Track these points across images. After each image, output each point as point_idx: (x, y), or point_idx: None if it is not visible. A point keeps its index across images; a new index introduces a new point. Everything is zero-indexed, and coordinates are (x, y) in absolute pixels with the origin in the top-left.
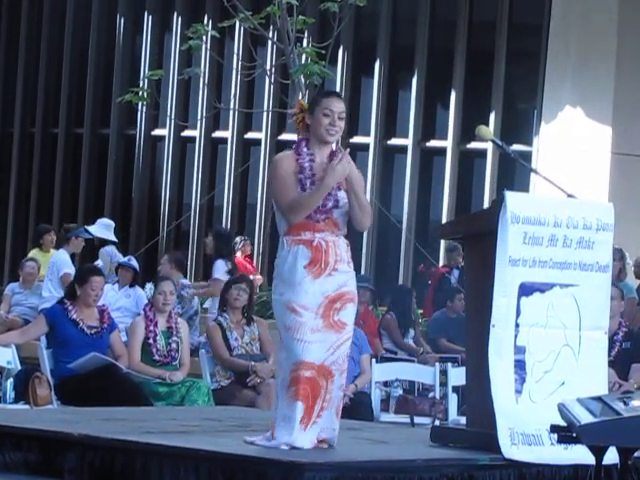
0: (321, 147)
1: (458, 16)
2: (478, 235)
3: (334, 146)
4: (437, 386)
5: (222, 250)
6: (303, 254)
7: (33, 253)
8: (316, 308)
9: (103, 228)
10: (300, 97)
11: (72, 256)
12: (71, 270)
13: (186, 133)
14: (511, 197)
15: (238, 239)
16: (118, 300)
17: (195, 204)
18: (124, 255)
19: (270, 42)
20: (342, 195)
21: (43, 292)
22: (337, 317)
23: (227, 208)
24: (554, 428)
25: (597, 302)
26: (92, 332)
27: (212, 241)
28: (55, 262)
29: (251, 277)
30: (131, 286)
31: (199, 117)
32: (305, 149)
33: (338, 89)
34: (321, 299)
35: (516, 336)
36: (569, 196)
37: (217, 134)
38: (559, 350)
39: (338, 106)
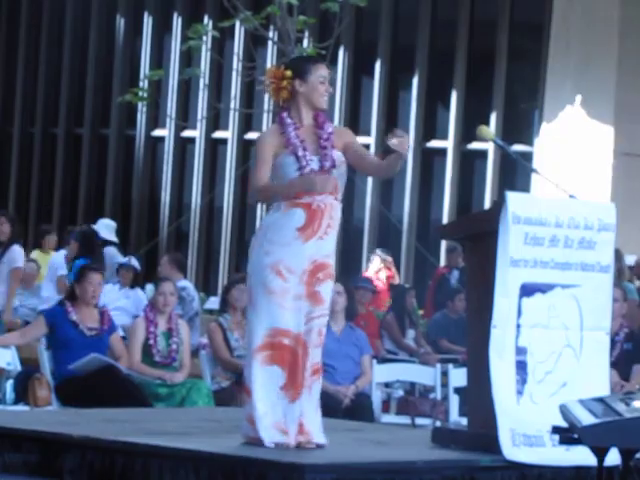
0: (308, 112)
1: (459, 16)
2: (479, 235)
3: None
4: (438, 387)
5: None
6: (299, 217)
7: (34, 254)
8: (301, 273)
9: (104, 228)
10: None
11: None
12: (65, 272)
13: (186, 133)
14: (512, 197)
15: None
16: (117, 300)
17: (195, 205)
18: (124, 256)
19: (270, 42)
20: (339, 154)
21: (43, 292)
22: (317, 288)
23: (227, 208)
24: (555, 429)
25: (599, 303)
26: (92, 333)
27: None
28: (54, 263)
29: None
30: (131, 287)
31: (199, 117)
32: (289, 119)
33: (339, 89)
34: (307, 264)
35: (517, 337)
36: (570, 196)
37: (217, 134)
38: (560, 351)
39: (327, 72)
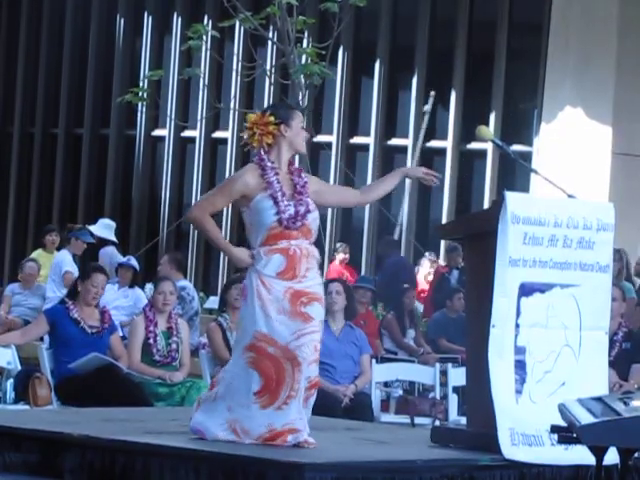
0: (287, 157)
1: (458, 16)
2: (478, 235)
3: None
4: (437, 386)
5: None
6: (279, 262)
7: (37, 253)
8: (282, 294)
9: (104, 228)
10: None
11: (73, 257)
12: (72, 269)
13: (186, 133)
14: (511, 197)
15: (338, 245)
16: (116, 299)
17: None
18: (124, 255)
19: (270, 42)
20: (311, 201)
21: (47, 292)
22: (304, 309)
23: (226, 208)
24: (554, 428)
25: (597, 302)
26: (93, 332)
27: None
28: (58, 262)
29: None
30: (130, 287)
31: (199, 117)
32: (269, 163)
33: (338, 89)
34: (287, 286)
35: (516, 336)
36: (569, 196)
37: (217, 134)
38: (559, 350)
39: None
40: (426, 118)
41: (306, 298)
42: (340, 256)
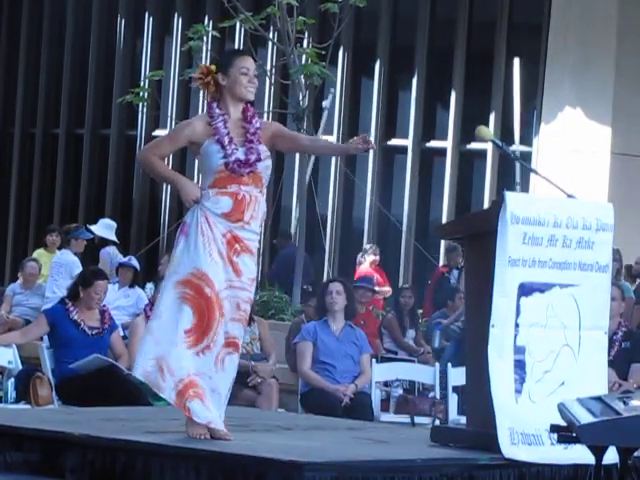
0: (236, 105)
1: (458, 16)
2: (478, 235)
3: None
4: (437, 386)
5: None
6: (226, 203)
7: (37, 253)
8: (222, 235)
9: (104, 228)
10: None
11: (75, 255)
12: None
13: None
14: (511, 197)
15: (367, 246)
16: (116, 299)
17: None
18: (124, 255)
19: (270, 43)
20: (263, 148)
21: (47, 292)
22: (235, 258)
23: None
24: (554, 428)
25: (597, 302)
26: (93, 333)
27: None
28: (62, 263)
29: (378, 288)
30: (131, 286)
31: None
32: (217, 110)
33: (338, 90)
34: (225, 230)
35: (516, 336)
36: (569, 196)
37: None
38: (559, 350)
39: (251, 63)
40: (325, 114)
41: (239, 246)
42: (370, 258)
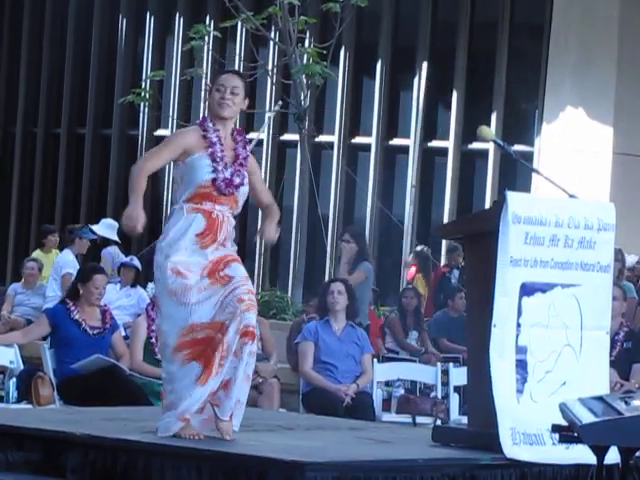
0: (223, 123)
1: (459, 16)
2: (479, 235)
3: (231, 124)
4: (439, 386)
5: None
6: (198, 223)
7: (35, 254)
8: (200, 270)
9: (106, 228)
10: None
11: (76, 257)
12: (73, 270)
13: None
14: (512, 197)
15: (419, 248)
16: (118, 299)
17: None
18: (126, 255)
19: (272, 42)
20: (246, 175)
21: (47, 292)
22: (222, 273)
23: None
24: (555, 428)
25: (599, 302)
26: (94, 332)
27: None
28: (59, 262)
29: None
30: (132, 286)
31: (201, 117)
32: (210, 124)
33: (340, 89)
34: (205, 262)
35: (517, 336)
36: (570, 196)
37: None
38: (560, 350)
39: (230, 80)
40: (265, 125)
41: (223, 264)
42: (412, 270)
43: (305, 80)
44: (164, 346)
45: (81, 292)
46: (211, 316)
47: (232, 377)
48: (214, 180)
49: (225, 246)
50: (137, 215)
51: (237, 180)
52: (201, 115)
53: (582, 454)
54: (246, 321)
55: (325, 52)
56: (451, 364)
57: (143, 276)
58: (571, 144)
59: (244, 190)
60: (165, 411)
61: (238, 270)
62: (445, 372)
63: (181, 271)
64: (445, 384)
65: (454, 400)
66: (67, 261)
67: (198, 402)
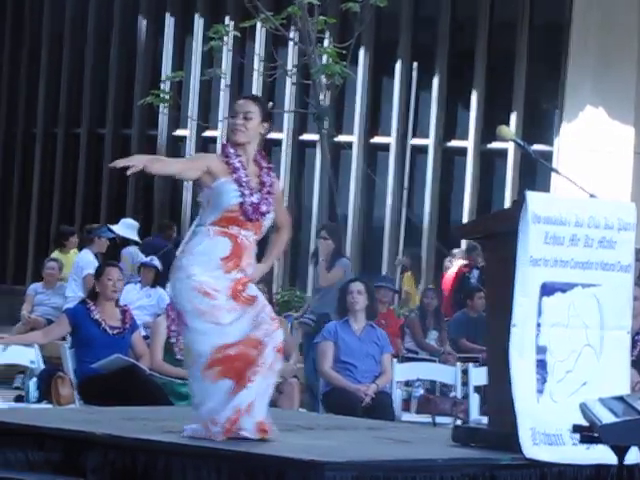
0: (243, 149)
1: (479, 16)
2: (499, 235)
3: (253, 150)
4: (458, 386)
5: None
6: (224, 246)
7: (55, 254)
8: (226, 290)
9: (126, 228)
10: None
11: (96, 256)
12: (94, 271)
13: (207, 134)
14: (532, 197)
15: (456, 251)
16: (138, 299)
17: None
18: (146, 255)
19: (291, 42)
20: (272, 202)
21: (67, 292)
22: (245, 294)
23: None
24: (576, 428)
25: (619, 302)
26: (114, 332)
27: None
28: (79, 263)
29: None
30: (152, 286)
31: (220, 118)
32: (232, 150)
33: (359, 89)
34: (229, 284)
35: (537, 336)
36: (590, 196)
37: None
38: (580, 350)
39: (244, 106)
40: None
41: (242, 285)
42: (459, 262)
43: (324, 80)
44: (194, 364)
45: (98, 289)
46: (246, 333)
47: (265, 388)
48: (241, 204)
49: (246, 271)
50: (138, 160)
51: (264, 207)
52: (220, 116)
53: (603, 454)
54: (280, 338)
55: (344, 52)
56: (471, 364)
57: (163, 276)
58: (591, 144)
59: (270, 217)
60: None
61: (255, 290)
62: (465, 372)
63: (208, 291)
64: (465, 384)
65: (474, 400)
66: (88, 262)
67: (233, 413)
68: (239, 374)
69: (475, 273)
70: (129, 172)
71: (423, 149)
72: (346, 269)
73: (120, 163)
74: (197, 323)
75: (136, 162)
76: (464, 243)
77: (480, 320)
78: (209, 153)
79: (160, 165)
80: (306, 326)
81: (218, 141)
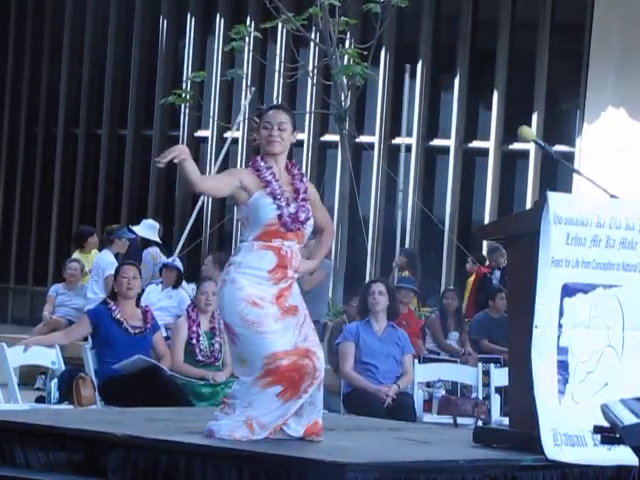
0: (275, 159)
1: (500, 16)
2: (520, 236)
3: (284, 159)
4: (480, 387)
5: None
6: (269, 259)
7: (75, 255)
8: (273, 300)
9: (147, 229)
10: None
11: (116, 256)
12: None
13: (229, 134)
14: (553, 198)
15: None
16: (160, 300)
17: None
18: (167, 256)
19: (312, 43)
20: (310, 208)
21: (88, 293)
22: (287, 303)
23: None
24: (597, 429)
25: None
26: (136, 332)
27: None
28: (100, 264)
29: None
30: (174, 287)
31: (241, 118)
32: (262, 163)
33: (380, 90)
34: (275, 293)
35: (559, 337)
36: (612, 197)
37: None
38: (602, 351)
39: (277, 116)
40: (240, 115)
41: (286, 292)
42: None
43: (345, 81)
44: (245, 373)
45: (116, 289)
46: (293, 343)
47: (316, 395)
48: (279, 217)
49: (293, 279)
50: (182, 150)
51: (303, 216)
52: (240, 117)
53: (624, 455)
54: (314, 347)
55: (365, 53)
56: (492, 365)
57: (184, 277)
58: (613, 144)
59: (310, 224)
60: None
61: (296, 297)
62: (486, 373)
63: (256, 302)
64: (486, 385)
65: (495, 401)
66: (108, 263)
67: (280, 419)
68: (294, 384)
69: (497, 274)
70: (176, 160)
71: (444, 150)
72: (329, 271)
73: (165, 158)
74: (247, 333)
75: (178, 152)
76: (486, 244)
77: (502, 321)
78: (239, 169)
79: (192, 168)
80: None
81: (239, 142)
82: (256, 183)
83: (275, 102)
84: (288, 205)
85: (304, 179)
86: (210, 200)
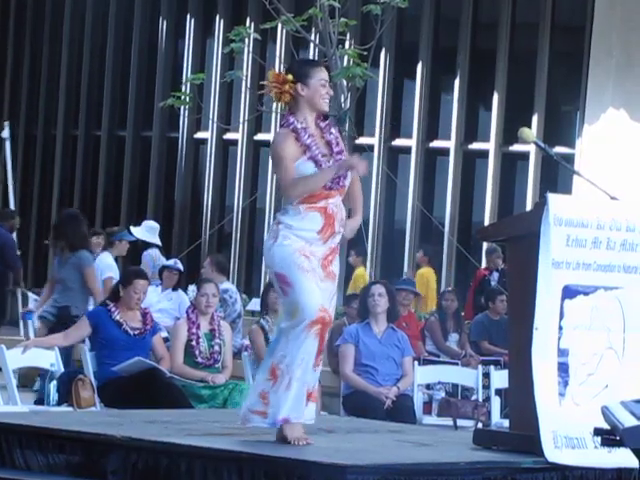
0: (311, 116)
1: (500, 18)
2: (521, 237)
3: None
4: (480, 389)
5: None
6: (317, 220)
7: None
8: (321, 258)
9: (147, 231)
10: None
11: (116, 259)
12: (114, 274)
13: (228, 136)
14: (554, 199)
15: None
16: (159, 302)
17: (237, 207)
18: (167, 258)
19: (312, 44)
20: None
21: None
22: (330, 268)
23: (269, 210)
24: (598, 431)
25: None
26: (135, 333)
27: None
28: (98, 265)
29: None
30: (174, 289)
31: (241, 120)
32: (299, 125)
33: (380, 91)
34: (325, 251)
35: (559, 339)
36: (612, 198)
37: (259, 137)
38: (603, 353)
39: (326, 75)
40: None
41: (332, 255)
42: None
43: (345, 82)
44: (297, 321)
45: (122, 294)
46: (327, 305)
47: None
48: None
49: (339, 232)
50: (347, 163)
51: (342, 171)
52: (245, 116)
53: (624, 458)
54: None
55: (365, 54)
56: (492, 367)
57: (184, 279)
58: (613, 146)
59: (349, 175)
60: (281, 391)
61: (338, 267)
62: (486, 375)
63: (308, 255)
64: (486, 387)
65: (495, 403)
66: (107, 265)
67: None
68: (322, 345)
69: (495, 275)
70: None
71: (444, 151)
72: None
73: (360, 167)
74: (304, 280)
75: (355, 163)
76: (485, 245)
77: (501, 323)
78: (279, 140)
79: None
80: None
81: (239, 143)
82: (297, 149)
83: (275, 103)
84: (327, 165)
85: (332, 129)
86: (210, 200)
